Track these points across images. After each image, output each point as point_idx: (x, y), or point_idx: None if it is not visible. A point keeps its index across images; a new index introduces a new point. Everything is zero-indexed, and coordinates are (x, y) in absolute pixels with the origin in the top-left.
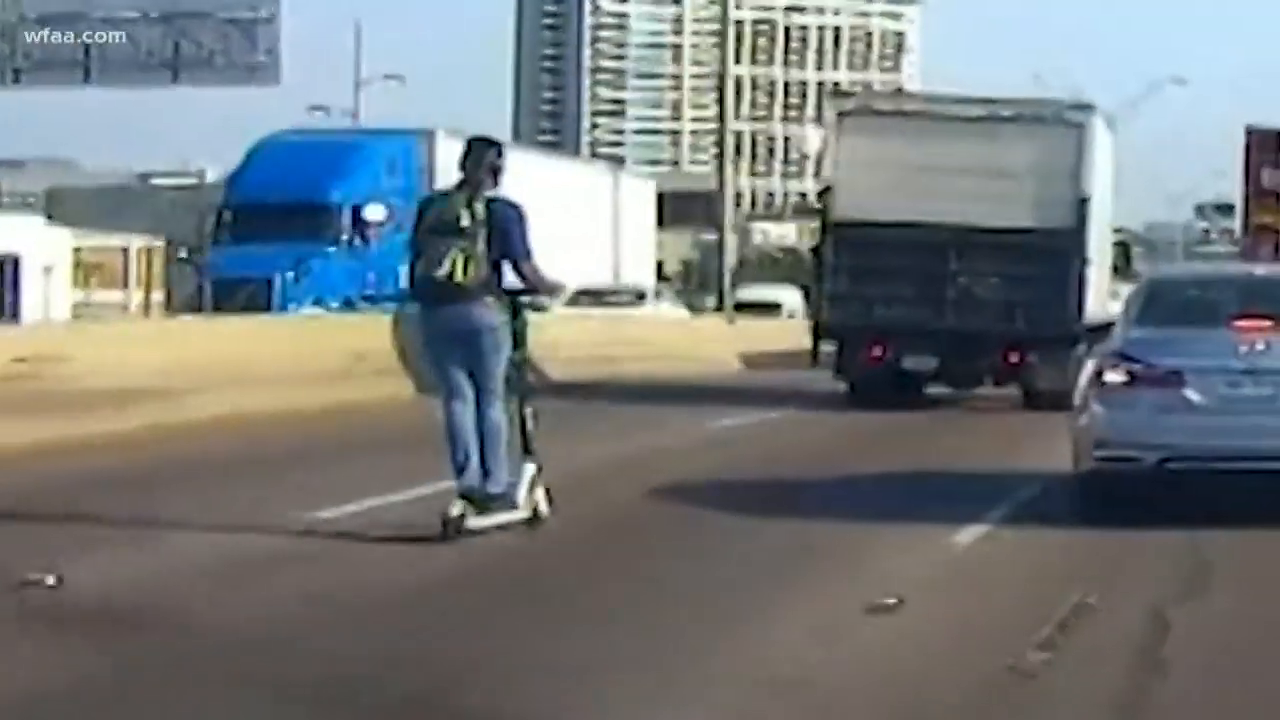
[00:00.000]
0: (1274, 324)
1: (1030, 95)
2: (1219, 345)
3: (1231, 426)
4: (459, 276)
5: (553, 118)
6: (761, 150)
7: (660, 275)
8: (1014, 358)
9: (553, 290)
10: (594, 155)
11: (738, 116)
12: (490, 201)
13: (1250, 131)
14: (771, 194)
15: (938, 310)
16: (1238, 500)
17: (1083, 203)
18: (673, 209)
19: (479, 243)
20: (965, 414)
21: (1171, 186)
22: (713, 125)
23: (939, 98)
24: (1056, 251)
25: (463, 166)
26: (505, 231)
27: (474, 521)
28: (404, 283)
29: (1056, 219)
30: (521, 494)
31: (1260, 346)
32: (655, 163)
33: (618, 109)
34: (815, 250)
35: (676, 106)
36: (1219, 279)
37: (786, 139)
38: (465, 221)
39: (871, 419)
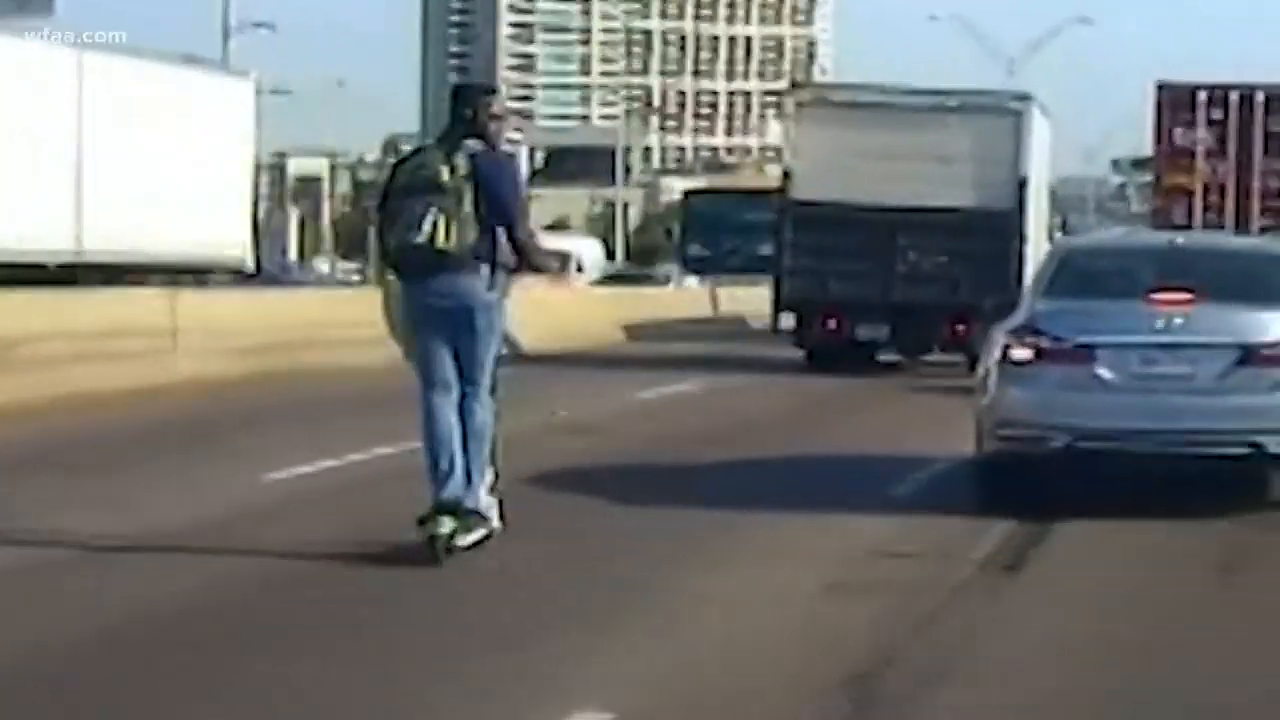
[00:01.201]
0: (1193, 296)
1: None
2: (1134, 319)
3: (1146, 406)
4: (441, 241)
5: (461, 72)
6: (672, 106)
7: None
8: (959, 327)
9: (549, 265)
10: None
11: (648, 72)
12: (474, 155)
13: (1162, 87)
14: (682, 148)
15: (888, 284)
16: (1140, 485)
17: (1021, 184)
18: (577, 165)
19: (464, 203)
20: (906, 386)
21: (1088, 139)
22: (622, 80)
23: (889, 89)
24: (997, 229)
25: (450, 117)
26: (493, 191)
27: (462, 539)
28: (375, 253)
29: (997, 200)
30: (488, 504)
31: (1178, 320)
32: (564, 118)
33: (527, 63)
34: (775, 230)
35: (585, 61)
36: (1135, 248)
37: (698, 94)
38: (445, 177)
39: (811, 387)
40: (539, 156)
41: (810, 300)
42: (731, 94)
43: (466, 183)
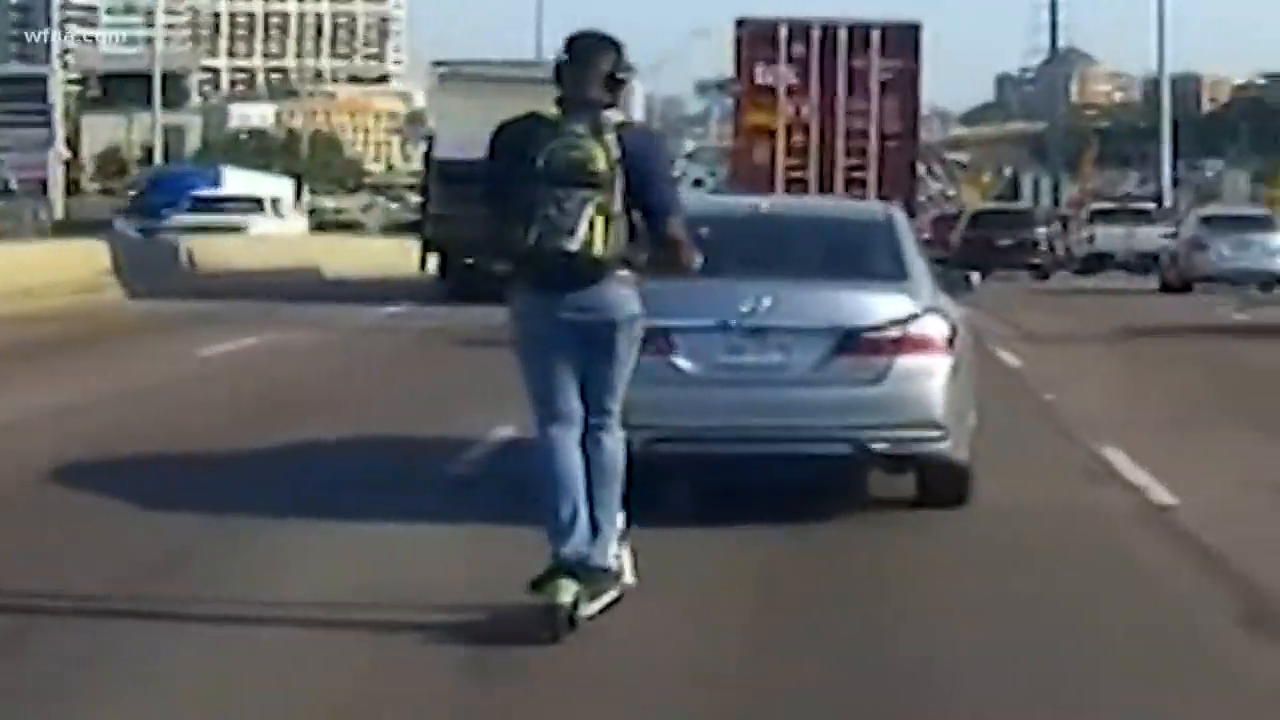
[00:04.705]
0: (788, 274)
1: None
2: (716, 301)
3: (729, 401)
4: (599, 248)
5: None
6: (241, 29)
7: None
8: None
9: (694, 262)
10: (65, 27)
11: None
12: (620, 128)
13: (742, 23)
14: (252, 74)
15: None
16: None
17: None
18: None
19: (618, 196)
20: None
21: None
22: (185, 5)
23: (517, 63)
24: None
25: (560, 78)
26: (649, 176)
27: (586, 608)
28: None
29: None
30: (619, 558)
31: (767, 302)
32: (132, 41)
33: None
34: (423, 184)
35: None
36: (715, 215)
37: (268, 16)
38: (601, 165)
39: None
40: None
41: (453, 242)
42: (303, 15)
43: (619, 169)
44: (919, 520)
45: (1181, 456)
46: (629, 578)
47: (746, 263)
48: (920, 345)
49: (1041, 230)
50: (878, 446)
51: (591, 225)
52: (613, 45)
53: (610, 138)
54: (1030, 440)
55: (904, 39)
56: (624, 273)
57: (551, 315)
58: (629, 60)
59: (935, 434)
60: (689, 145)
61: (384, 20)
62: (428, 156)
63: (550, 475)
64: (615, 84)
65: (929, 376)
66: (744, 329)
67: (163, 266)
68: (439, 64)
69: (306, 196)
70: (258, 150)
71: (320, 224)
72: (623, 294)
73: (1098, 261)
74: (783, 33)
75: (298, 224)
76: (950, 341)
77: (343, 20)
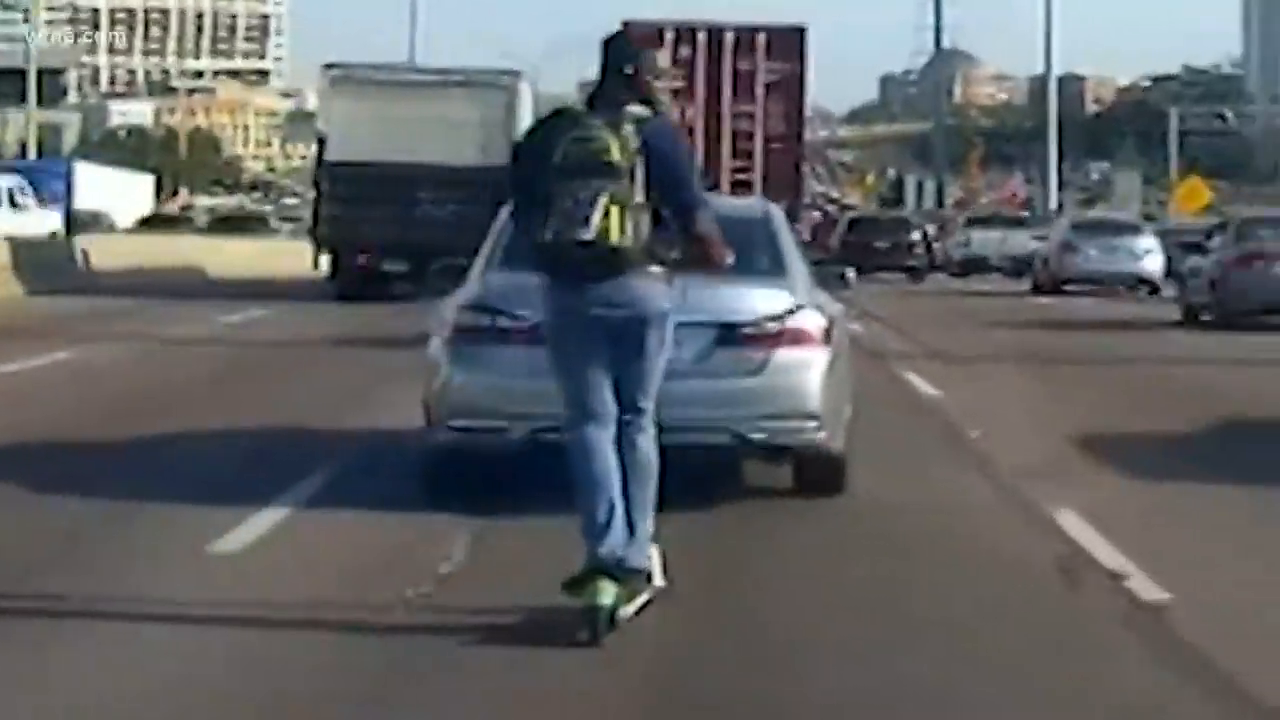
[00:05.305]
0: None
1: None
2: None
3: None
4: (615, 237)
5: None
6: (121, 25)
7: None
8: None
9: (726, 258)
10: None
11: None
12: (640, 124)
13: (627, 25)
14: (133, 71)
15: (408, 227)
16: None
17: (515, 145)
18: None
19: (637, 186)
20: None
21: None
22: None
23: (406, 68)
24: (495, 183)
25: (600, 72)
26: (669, 169)
27: (625, 610)
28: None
29: (494, 157)
30: (651, 560)
31: None
32: (9, 38)
33: None
34: (315, 184)
35: None
36: None
37: (147, 13)
38: (616, 155)
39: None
40: None
41: (345, 242)
42: (183, 13)
43: (638, 160)
44: (800, 508)
45: (1154, 527)
46: (659, 580)
47: None
48: (797, 339)
49: (916, 235)
50: (756, 437)
51: (607, 214)
52: (645, 41)
53: (629, 130)
54: (972, 500)
55: (790, 42)
56: (654, 269)
57: (581, 312)
58: (656, 61)
59: (812, 425)
60: None
61: (264, 18)
62: (320, 158)
63: (586, 475)
64: (638, 82)
65: (806, 369)
66: None
67: (59, 265)
68: (330, 67)
69: (185, 195)
70: (135, 148)
71: (222, 220)
72: (653, 289)
73: (973, 264)
74: (669, 36)
75: (47, 220)
76: (827, 335)
77: (224, 18)
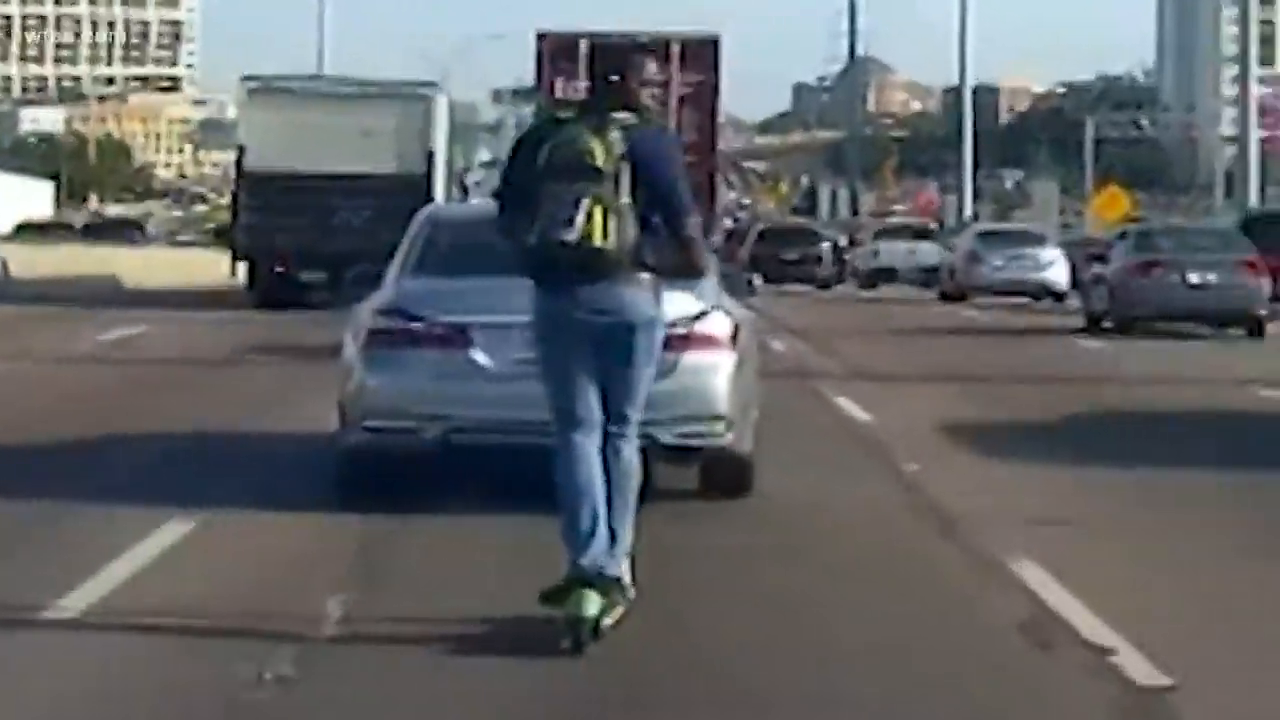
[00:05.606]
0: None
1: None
2: (512, 297)
3: (525, 395)
4: (599, 239)
5: None
6: (32, 31)
7: None
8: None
9: (708, 265)
10: None
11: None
12: (628, 130)
13: (543, 36)
14: (44, 78)
15: (326, 236)
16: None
17: (429, 155)
18: None
19: (622, 191)
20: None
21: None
22: None
23: (325, 78)
24: (412, 189)
25: (589, 80)
26: (656, 175)
27: (606, 620)
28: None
29: (411, 166)
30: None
31: None
32: None
33: None
34: (234, 194)
35: None
36: None
37: (59, 19)
38: (600, 159)
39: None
40: None
41: (263, 251)
42: (95, 21)
43: (623, 165)
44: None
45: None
46: (631, 591)
47: None
48: (705, 342)
49: (825, 246)
50: (665, 439)
51: (590, 216)
52: (634, 50)
53: (615, 135)
54: (917, 559)
55: (703, 52)
56: (642, 275)
57: (568, 318)
58: (644, 69)
59: (719, 427)
60: (486, 154)
61: (176, 24)
62: (239, 168)
63: (571, 483)
64: (625, 90)
65: (714, 372)
66: None
67: None
68: (248, 78)
69: (95, 203)
70: (45, 156)
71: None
72: (640, 296)
73: (882, 275)
74: (583, 47)
75: None
76: (734, 338)
77: (135, 25)
